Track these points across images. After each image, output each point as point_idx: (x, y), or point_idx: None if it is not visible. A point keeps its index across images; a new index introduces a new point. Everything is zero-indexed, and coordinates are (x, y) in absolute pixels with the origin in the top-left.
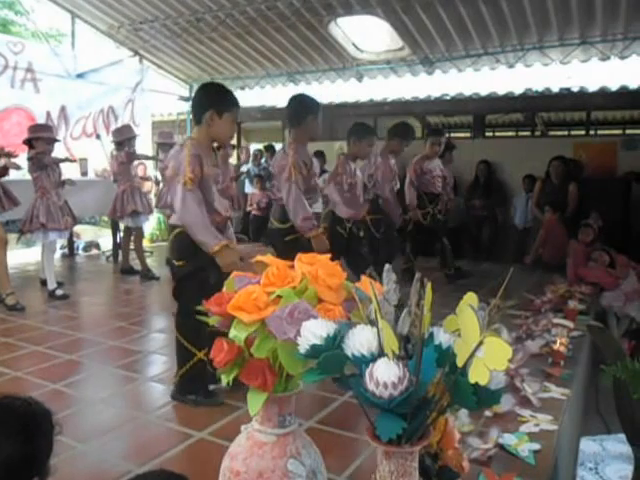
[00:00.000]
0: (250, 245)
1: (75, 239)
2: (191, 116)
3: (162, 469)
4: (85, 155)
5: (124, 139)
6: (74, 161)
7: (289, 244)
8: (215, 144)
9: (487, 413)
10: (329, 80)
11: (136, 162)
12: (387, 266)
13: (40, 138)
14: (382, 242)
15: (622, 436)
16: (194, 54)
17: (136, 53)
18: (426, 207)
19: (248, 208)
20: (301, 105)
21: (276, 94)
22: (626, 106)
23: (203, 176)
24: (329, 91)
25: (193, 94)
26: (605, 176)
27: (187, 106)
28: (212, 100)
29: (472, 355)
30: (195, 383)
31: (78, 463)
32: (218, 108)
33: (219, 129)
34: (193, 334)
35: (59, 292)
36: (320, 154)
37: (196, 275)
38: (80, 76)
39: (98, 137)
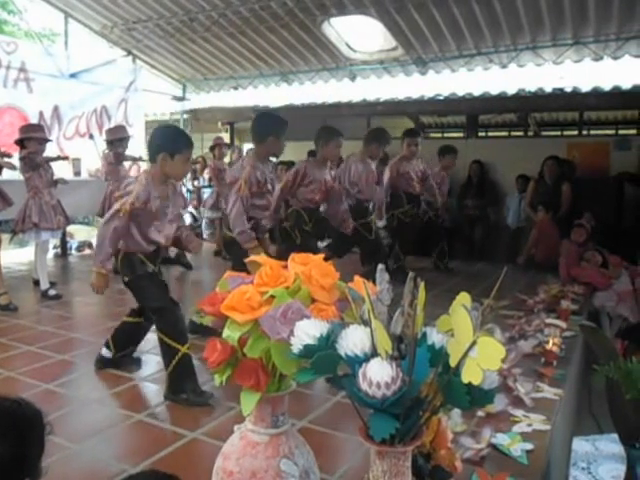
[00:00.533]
0: None
1: (68, 239)
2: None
3: (153, 469)
4: (78, 155)
5: (114, 139)
6: (66, 158)
7: (244, 252)
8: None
9: (480, 413)
10: (322, 80)
11: (127, 163)
12: (380, 266)
13: (32, 138)
14: (376, 243)
15: (614, 436)
16: (187, 54)
17: (129, 53)
18: (404, 206)
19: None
20: (264, 125)
21: (269, 94)
22: (619, 106)
23: (146, 208)
24: (322, 91)
25: (186, 94)
26: (598, 176)
27: (180, 106)
28: (164, 143)
29: (465, 355)
30: (185, 379)
31: (71, 463)
32: (170, 151)
33: (171, 169)
34: (172, 329)
35: (52, 292)
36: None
37: (144, 279)
38: (73, 76)
39: (91, 137)
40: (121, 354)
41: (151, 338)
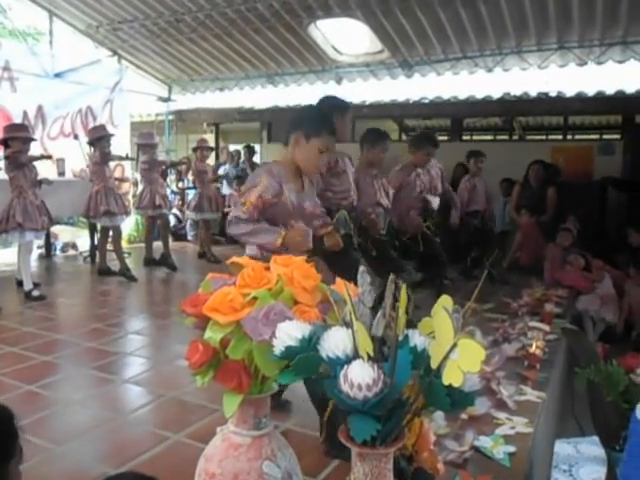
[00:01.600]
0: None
1: (53, 240)
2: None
3: (132, 471)
4: (63, 155)
5: (93, 139)
6: (50, 157)
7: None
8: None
9: (463, 416)
10: (308, 82)
11: (113, 163)
12: (361, 268)
13: (16, 138)
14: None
15: (596, 438)
16: (173, 55)
17: (115, 53)
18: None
19: (226, 209)
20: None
21: (255, 95)
22: (602, 111)
23: (279, 202)
24: (308, 93)
25: (172, 95)
26: (582, 180)
27: (166, 107)
28: (302, 121)
29: (446, 357)
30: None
31: (53, 465)
32: (308, 131)
33: (303, 155)
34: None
35: (35, 293)
36: None
37: None
38: (58, 75)
39: (76, 137)
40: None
41: (135, 339)
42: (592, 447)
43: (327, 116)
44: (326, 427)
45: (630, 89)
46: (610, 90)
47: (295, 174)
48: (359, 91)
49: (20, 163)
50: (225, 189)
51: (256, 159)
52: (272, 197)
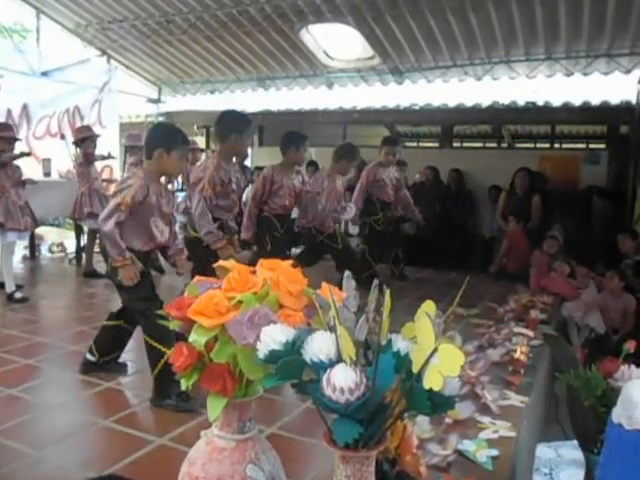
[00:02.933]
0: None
1: (38, 241)
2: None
3: (112, 474)
4: (49, 155)
5: (77, 139)
6: (29, 154)
7: (206, 249)
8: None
9: (447, 420)
10: (299, 86)
11: (99, 164)
12: (347, 272)
13: (1, 138)
14: (345, 252)
15: (576, 442)
16: (164, 56)
17: (104, 53)
18: (377, 213)
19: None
20: (227, 123)
21: (246, 99)
22: (588, 121)
23: (145, 204)
24: (299, 97)
25: (161, 96)
26: (568, 189)
27: (156, 108)
28: (162, 139)
29: (427, 361)
30: (170, 384)
31: (33, 470)
32: (167, 147)
33: (167, 165)
34: (159, 332)
35: (18, 295)
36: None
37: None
38: (45, 74)
39: (63, 137)
40: (105, 359)
41: None
42: (572, 451)
43: (176, 130)
44: (157, 380)
45: (614, 100)
46: (595, 100)
47: (158, 180)
48: (350, 96)
49: (2, 163)
50: None
51: (247, 162)
52: (142, 198)
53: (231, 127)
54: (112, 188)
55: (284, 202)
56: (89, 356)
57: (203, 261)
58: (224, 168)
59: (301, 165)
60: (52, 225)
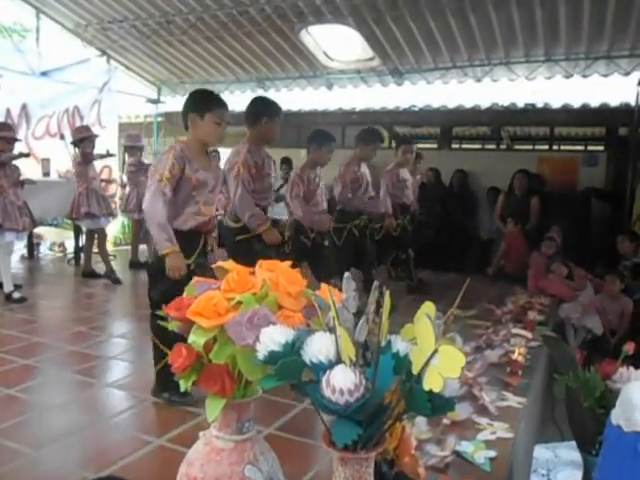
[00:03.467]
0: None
1: (38, 241)
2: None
3: (112, 475)
4: (48, 155)
5: (75, 139)
6: (28, 155)
7: (240, 244)
8: (208, 148)
9: (445, 421)
10: (299, 87)
11: (98, 163)
12: (347, 274)
13: (1, 137)
14: (343, 250)
15: (574, 443)
16: (163, 56)
17: (104, 53)
18: (397, 218)
19: (215, 212)
20: (257, 107)
21: (245, 99)
22: (587, 123)
23: (183, 178)
24: (299, 98)
25: (161, 97)
26: (566, 191)
27: (155, 108)
28: (193, 103)
29: (427, 363)
30: (169, 381)
31: (31, 471)
32: (199, 111)
33: (203, 131)
34: (165, 333)
35: (16, 295)
36: (287, 161)
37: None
38: (44, 74)
39: (62, 137)
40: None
41: (119, 343)
42: (570, 452)
43: (209, 92)
44: (158, 376)
45: (614, 102)
46: (595, 103)
47: (199, 152)
48: (349, 97)
49: (1, 162)
50: None
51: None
52: (179, 172)
53: (261, 111)
54: (111, 188)
55: (316, 202)
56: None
57: (236, 254)
58: (255, 152)
59: (323, 166)
60: (51, 225)
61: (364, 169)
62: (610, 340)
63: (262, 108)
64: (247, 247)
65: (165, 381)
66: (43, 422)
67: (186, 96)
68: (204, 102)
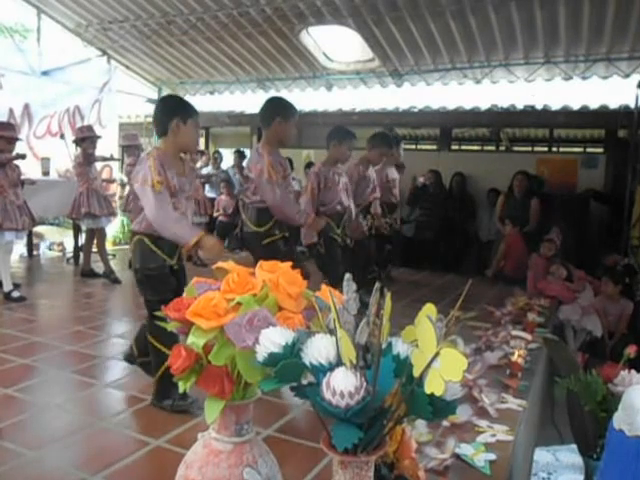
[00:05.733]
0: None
1: (38, 240)
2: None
3: None
4: (49, 155)
5: (77, 139)
6: (24, 157)
7: (268, 247)
8: (181, 154)
9: (445, 423)
10: (299, 88)
11: (99, 163)
12: (347, 275)
13: (2, 137)
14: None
15: (574, 446)
16: (164, 56)
17: (104, 53)
18: (385, 217)
19: (215, 213)
20: (271, 107)
21: (245, 100)
22: (586, 125)
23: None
24: (298, 99)
25: (155, 105)
26: (565, 192)
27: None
28: (175, 109)
29: (428, 366)
30: (171, 385)
31: (27, 471)
32: (182, 116)
33: (185, 137)
34: (164, 334)
35: (15, 294)
36: (288, 161)
37: (154, 271)
38: (45, 74)
39: (62, 137)
40: (144, 360)
41: (118, 343)
42: (571, 455)
43: (184, 100)
44: (158, 383)
45: (613, 104)
46: (594, 105)
47: (176, 159)
48: (349, 98)
49: (0, 162)
50: (208, 192)
51: (245, 164)
52: (160, 177)
53: (275, 111)
54: (112, 188)
55: (339, 199)
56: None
57: (265, 258)
58: (275, 153)
59: (344, 162)
60: (52, 224)
61: (371, 171)
62: (607, 342)
63: (275, 108)
64: (274, 249)
65: (166, 387)
66: (41, 422)
67: (157, 102)
68: (184, 107)
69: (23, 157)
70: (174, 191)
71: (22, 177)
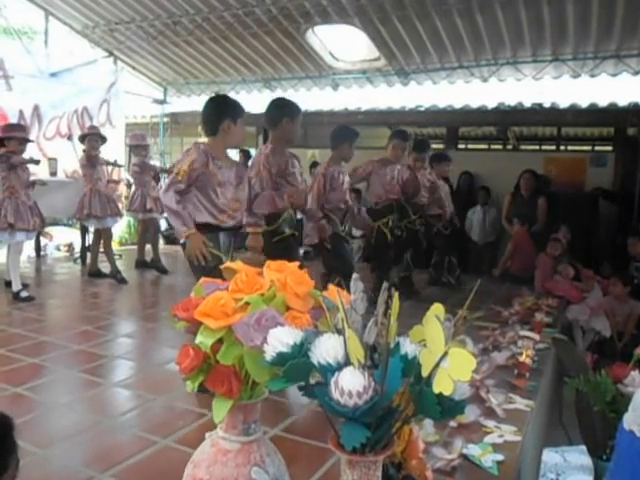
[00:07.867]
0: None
1: (47, 240)
2: (202, 128)
3: None
4: (57, 156)
5: (80, 137)
6: (38, 162)
7: (278, 244)
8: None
9: (452, 423)
10: (305, 88)
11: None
12: (355, 275)
13: (13, 137)
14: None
15: (583, 447)
16: (170, 57)
17: (111, 54)
18: (410, 216)
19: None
20: (278, 107)
21: (251, 100)
22: (595, 123)
23: (206, 173)
24: (304, 99)
25: (204, 106)
26: (574, 191)
27: (161, 109)
28: (227, 110)
29: (437, 365)
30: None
31: (37, 469)
32: (233, 116)
33: (234, 136)
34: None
35: (24, 294)
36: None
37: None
38: (53, 75)
39: (69, 138)
40: None
41: (125, 342)
42: (579, 456)
43: (233, 99)
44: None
45: (622, 102)
46: (603, 102)
47: (222, 153)
48: (355, 98)
49: (11, 164)
50: None
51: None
52: (201, 166)
53: (282, 112)
54: (119, 189)
55: (343, 197)
56: None
57: (275, 255)
58: (280, 152)
59: (348, 161)
60: (65, 225)
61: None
62: (617, 342)
63: (282, 109)
64: (285, 246)
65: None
66: (50, 421)
67: (208, 102)
68: (234, 108)
69: (37, 162)
70: (221, 181)
71: (32, 178)
